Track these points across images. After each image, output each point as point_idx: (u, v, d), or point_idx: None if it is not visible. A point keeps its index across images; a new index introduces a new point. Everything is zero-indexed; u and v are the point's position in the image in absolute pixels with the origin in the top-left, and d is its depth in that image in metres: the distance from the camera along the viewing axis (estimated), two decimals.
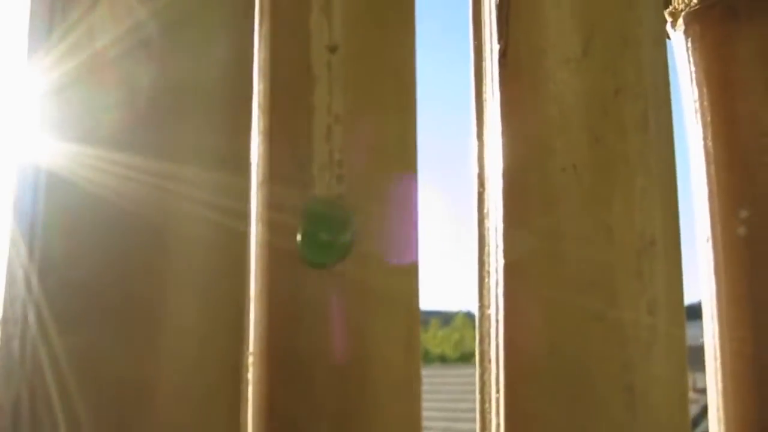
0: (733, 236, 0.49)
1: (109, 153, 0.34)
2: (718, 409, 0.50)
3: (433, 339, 17.57)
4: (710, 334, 0.51)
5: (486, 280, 0.44)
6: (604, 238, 0.42)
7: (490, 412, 0.43)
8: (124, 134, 0.34)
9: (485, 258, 0.45)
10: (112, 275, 0.34)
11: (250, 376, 0.39)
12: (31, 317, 0.34)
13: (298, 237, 0.39)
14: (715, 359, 0.50)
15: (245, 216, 0.38)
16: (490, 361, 0.43)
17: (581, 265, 0.41)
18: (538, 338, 0.41)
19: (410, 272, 0.41)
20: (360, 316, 0.39)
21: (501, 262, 0.42)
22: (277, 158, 0.41)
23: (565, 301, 0.41)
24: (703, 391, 0.57)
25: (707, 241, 0.50)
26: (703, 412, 0.50)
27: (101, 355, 0.34)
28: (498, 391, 0.42)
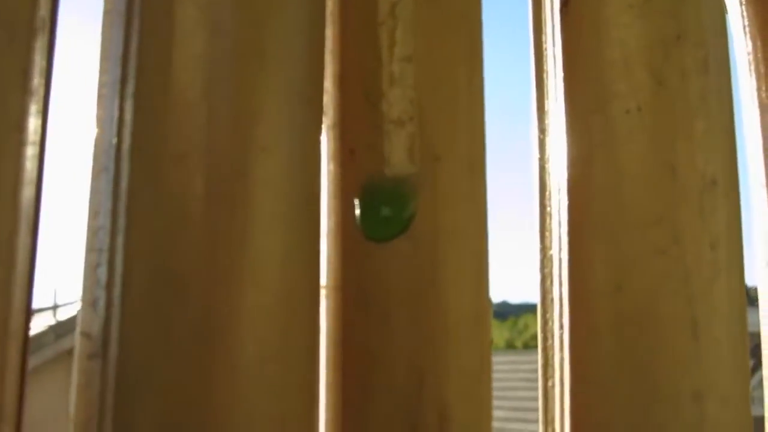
0: None
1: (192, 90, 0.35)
2: None
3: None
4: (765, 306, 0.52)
5: (548, 221, 0.45)
6: (667, 178, 0.42)
7: (552, 349, 0.44)
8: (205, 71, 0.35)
9: (546, 201, 0.45)
10: (198, 205, 0.35)
11: (323, 308, 0.40)
12: (118, 244, 0.35)
13: (357, 212, 0.40)
14: None
15: (317, 154, 0.39)
16: (552, 300, 0.44)
17: (645, 204, 0.42)
18: (602, 275, 0.42)
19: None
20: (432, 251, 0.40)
21: (564, 202, 0.43)
22: (348, 100, 0.42)
23: (630, 238, 0.42)
24: None
25: (762, 186, 0.50)
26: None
27: (188, 281, 0.35)
28: (561, 328, 0.43)
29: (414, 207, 0.39)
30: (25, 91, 0.36)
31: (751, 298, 0.53)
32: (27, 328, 0.37)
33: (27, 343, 0.37)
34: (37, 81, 0.37)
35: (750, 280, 0.52)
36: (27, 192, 0.36)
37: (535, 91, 0.47)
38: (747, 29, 0.52)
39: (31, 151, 0.36)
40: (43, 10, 0.37)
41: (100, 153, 0.36)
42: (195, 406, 0.34)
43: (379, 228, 0.39)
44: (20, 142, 0.36)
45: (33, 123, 0.36)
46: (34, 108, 0.36)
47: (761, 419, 0.51)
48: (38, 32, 0.37)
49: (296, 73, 0.37)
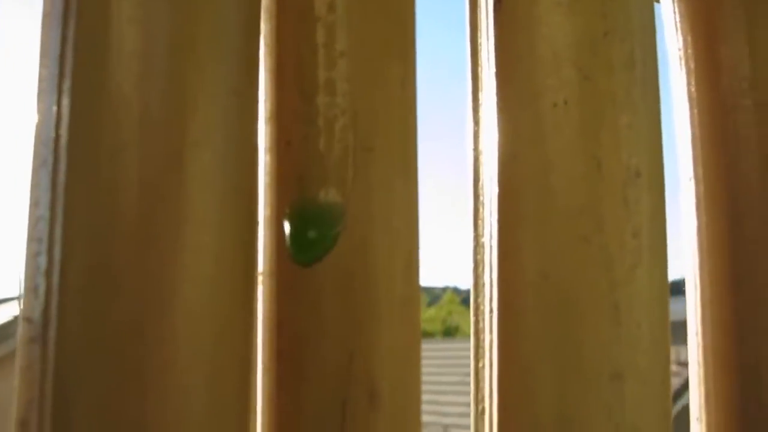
0: (713, 175, 0.52)
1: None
2: (699, 383, 0.53)
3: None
4: (692, 296, 0.54)
5: (480, 210, 0.47)
6: (592, 169, 0.44)
7: (483, 332, 0.46)
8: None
9: (480, 190, 0.47)
10: (132, 197, 0.36)
11: (260, 293, 0.42)
12: (57, 234, 0.37)
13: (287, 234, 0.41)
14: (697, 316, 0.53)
15: (253, 146, 0.40)
16: (484, 285, 0.46)
17: (571, 195, 0.44)
18: (529, 262, 0.44)
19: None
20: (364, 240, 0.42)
21: (495, 191, 0.45)
22: (284, 93, 0.43)
23: (556, 226, 0.44)
24: (685, 365, 0.60)
25: (690, 180, 0.52)
26: (686, 384, 0.53)
27: (123, 271, 0.36)
28: (491, 312, 0.45)
29: (337, 233, 0.41)
30: None
31: (680, 288, 0.55)
32: None
33: None
34: None
35: (679, 271, 0.55)
36: None
37: (471, 85, 0.49)
38: (678, 25, 0.54)
39: None
40: None
41: (39, 146, 0.37)
42: (131, 390, 0.36)
43: (301, 250, 0.41)
44: None
45: None
46: None
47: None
48: None
49: (230, 67, 0.39)
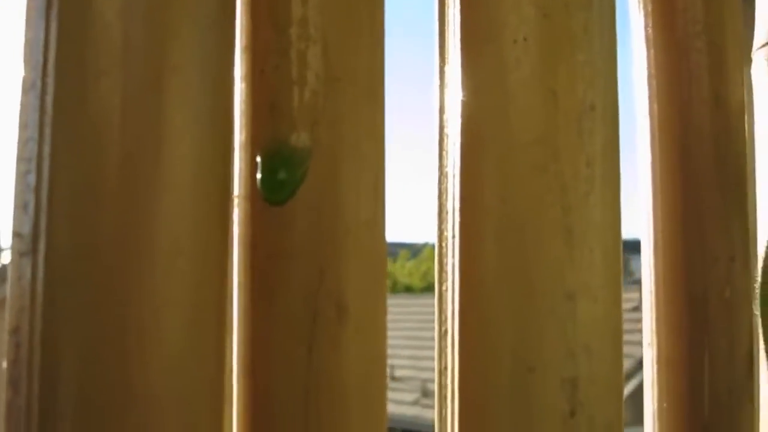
0: (666, 112, 0.55)
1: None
2: (650, 309, 0.56)
3: (401, 270, 17.81)
4: (645, 226, 0.57)
5: (445, 141, 0.49)
6: (549, 102, 0.47)
7: (446, 256, 0.48)
8: None
9: (444, 122, 0.50)
10: (116, 118, 0.39)
11: (236, 215, 0.45)
12: (45, 152, 0.39)
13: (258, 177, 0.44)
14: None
15: (229, 74, 0.43)
16: (447, 212, 0.49)
17: (529, 126, 0.47)
18: (489, 189, 0.47)
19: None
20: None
21: (458, 122, 0.48)
22: (258, 25, 0.46)
23: (514, 156, 0.47)
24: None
25: (645, 117, 0.55)
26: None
27: (107, 185, 0.39)
28: (453, 237, 0.48)
29: (304, 171, 0.44)
30: None
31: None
32: None
33: None
34: None
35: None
36: None
37: (437, 23, 0.51)
38: None
39: None
40: None
41: (28, 70, 0.40)
42: (114, 296, 0.38)
43: (272, 190, 0.44)
44: None
45: None
46: None
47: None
48: None
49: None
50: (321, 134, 0.44)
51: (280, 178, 0.44)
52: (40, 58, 0.39)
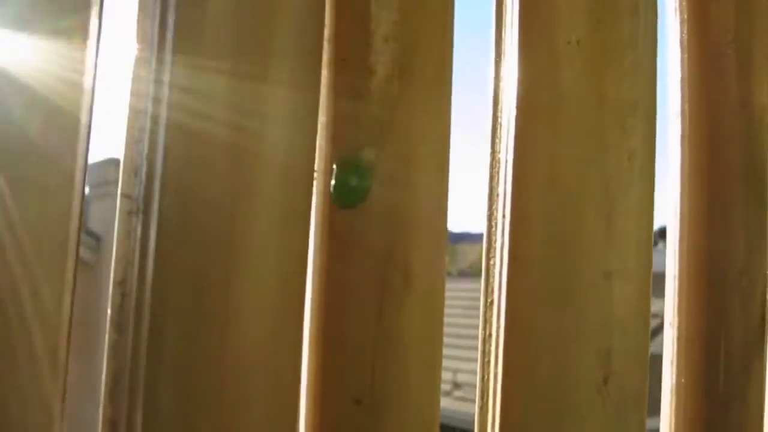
0: (697, 112, 0.60)
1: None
2: (673, 293, 0.61)
3: None
4: (673, 216, 0.62)
5: (498, 130, 0.54)
6: (596, 100, 0.52)
7: (495, 234, 0.53)
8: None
9: (498, 113, 0.55)
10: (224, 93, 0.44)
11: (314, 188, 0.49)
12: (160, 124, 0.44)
13: (332, 184, 0.49)
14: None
15: (319, 60, 0.48)
16: (498, 195, 0.54)
17: (577, 120, 0.52)
18: (539, 175, 0.52)
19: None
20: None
21: (513, 113, 0.52)
22: (343, 19, 0.50)
23: (564, 147, 0.51)
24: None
25: (677, 115, 0.60)
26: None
27: (217, 155, 0.43)
28: (504, 216, 0.52)
29: (370, 181, 0.48)
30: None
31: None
32: None
33: None
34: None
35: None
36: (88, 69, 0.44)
37: (494, 20, 0.56)
38: None
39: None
40: None
41: (144, 48, 0.44)
42: (217, 257, 0.43)
43: (344, 196, 0.49)
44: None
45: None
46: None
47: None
48: None
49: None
50: (395, 125, 0.48)
51: (351, 185, 0.49)
52: (156, 37, 0.44)
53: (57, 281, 0.42)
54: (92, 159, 0.47)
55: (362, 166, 0.48)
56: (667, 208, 0.60)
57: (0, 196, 0.41)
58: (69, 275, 0.42)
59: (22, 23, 0.41)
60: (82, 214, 0.44)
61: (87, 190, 0.44)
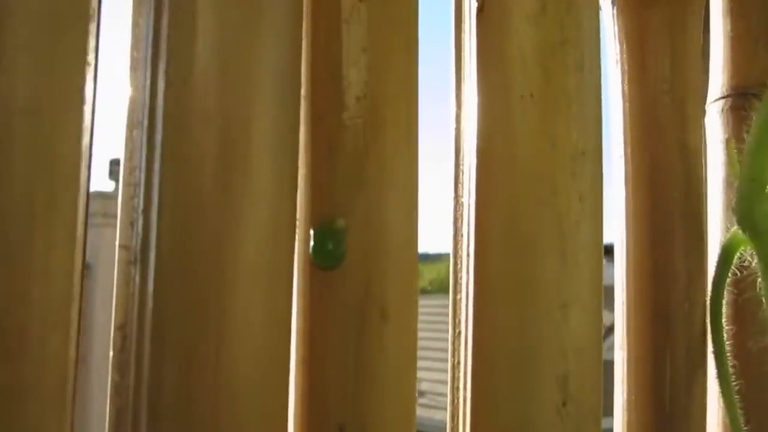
0: (638, 156, 0.65)
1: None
2: (623, 320, 0.66)
3: None
4: (619, 253, 0.67)
5: (460, 176, 0.59)
6: (549, 147, 0.56)
7: (461, 271, 0.58)
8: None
9: (460, 160, 0.59)
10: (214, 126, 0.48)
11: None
12: (154, 180, 0.48)
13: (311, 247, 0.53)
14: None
15: (297, 116, 0.52)
16: (462, 235, 0.58)
17: (532, 166, 0.56)
18: (499, 217, 0.56)
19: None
20: None
21: (473, 161, 0.57)
22: (318, 79, 0.55)
23: (520, 190, 0.56)
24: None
25: (620, 158, 0.65)
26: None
27: (203, 210, 0.47)
28: (468, 255, 0.57)
29: (345, 246, 0.53)
30: (84, 64, 0.48)
31: (609, 252, 0.68)
32: None
33: None
34: (91, 56, 0.48)
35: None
36: (85, 139, 0.48)
37: (454, 77, 0.61)
38: (616, 36, 0.67)
39: (88, 108, 0.48)
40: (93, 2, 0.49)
41: (134, 113, 0.48)
42: (210, 297, 0.47)
43: (322, 258, 0.53)
44: (81, 101, 0.48)
45: (89, 88, 0.48)
46: (89, 77, 0.48)
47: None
48: (91, 19, 0.49)
49: (284, 57, 0.50)
50: (368, 163, 0.53)
51: (328, 249, 0.53)
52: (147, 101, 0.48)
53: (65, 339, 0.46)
54: None
55: (337, 232, 0.52)
56: (613, 239, 0.66)
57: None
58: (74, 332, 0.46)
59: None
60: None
61: None
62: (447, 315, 0.60)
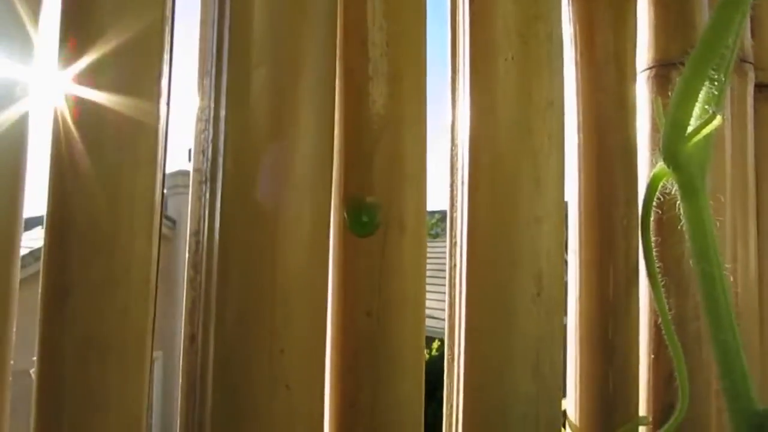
0: (588, 108, 0.58)
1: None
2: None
3: None
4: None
5: (456, 124, 0.52)
6: (526, 98, 0.50)
7: (456, 200, 0.51)
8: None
9: (456, 111, 0.52)
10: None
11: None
12: (220, 114, 0.40)
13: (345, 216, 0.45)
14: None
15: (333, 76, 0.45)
16: (457, 170, 0.51)
17: (512, 111, 0.49)
18: (487, 153, 0.49)
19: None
20: None
21: (467, 111, 0.50)
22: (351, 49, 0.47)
23: (503, 129, 0.49)
24: None
25: (575, 109, 0.59)
26: None
27: (264, 139, 0.40)
28: (462, 183, 0.50)
29: (379, 219, 0.45)
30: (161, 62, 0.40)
31: None
32: None
33: None
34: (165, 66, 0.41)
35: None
36: (161, 127, 0.40)
37: (450, 48, 0.54)
38: (571, 17, 0.60)
39: (163, 103, 0.41)
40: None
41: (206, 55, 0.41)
42: (265, 211, 0.40)
43: (360, 228, 0.46)
44: (158, 94, 0.40)
45: (164, 83, 0.41)
46: (165, 71, 0.41)
47: None
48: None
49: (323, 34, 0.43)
50: (390, 115, 0.46)
51: (364, 221, 0.46)
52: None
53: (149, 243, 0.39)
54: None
55: (371, 206, 0.45)
56: (570, 173, 0.59)
57: (113, 198, 0.38)
58: (156, 239, 0.40)
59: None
60: (163, 205, 0.41)
61: (165, 191, 0.41)
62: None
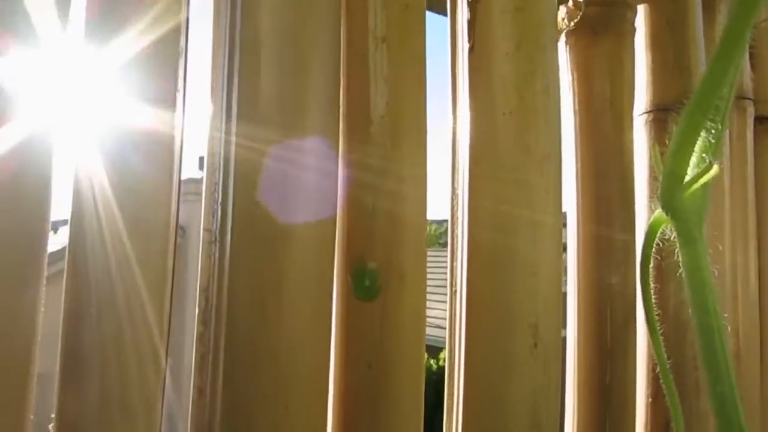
0: (586, 157, 0.60)
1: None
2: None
3: None
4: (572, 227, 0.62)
5: (456, 174, 0.54)
6: (524, 151, 0.52)
7: (457, 242, 0.53)
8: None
9: (456, 159, 0.54)
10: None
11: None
12: (229, 185, 0.43)
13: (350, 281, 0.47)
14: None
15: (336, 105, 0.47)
16: (457, 219, 0.53)
17: (511, 163, 0.51)
18: (486, 203, 0.51)
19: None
20: None
21: (466, 160, 0.52)
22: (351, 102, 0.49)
23: (502, 180, 0.51)
24: None
25: (573, 159, 0.61)
26: None
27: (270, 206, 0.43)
28: (462, 233, 0.52)
29: (379, 284, 0.47)
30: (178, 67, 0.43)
31: None
32: None
33: None
34: (180, 83, 0.43)
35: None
36: (177, 139, 0.43)
37: (451, 98, 0.56)
38: (569, 67, 0.62)
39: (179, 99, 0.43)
40: (182, 42, 0.44)
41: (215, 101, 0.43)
42: (271, 269, 0.42)
43: (363, 293, 0.47)
44: (173, 109, 0.43)
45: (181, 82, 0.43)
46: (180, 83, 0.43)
47: None
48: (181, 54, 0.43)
49: (329, 82, 0.45)
50: (390, 168, 0.48)
51: (366, 285, 0.48)
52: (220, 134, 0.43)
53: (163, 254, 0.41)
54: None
55: (371, 271, 0.47)
56: (568, 222, 0.61)
57: (126, 207, 0.40)
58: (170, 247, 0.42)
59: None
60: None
61: None
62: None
